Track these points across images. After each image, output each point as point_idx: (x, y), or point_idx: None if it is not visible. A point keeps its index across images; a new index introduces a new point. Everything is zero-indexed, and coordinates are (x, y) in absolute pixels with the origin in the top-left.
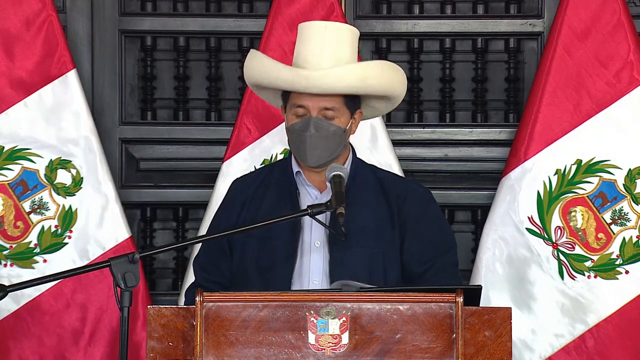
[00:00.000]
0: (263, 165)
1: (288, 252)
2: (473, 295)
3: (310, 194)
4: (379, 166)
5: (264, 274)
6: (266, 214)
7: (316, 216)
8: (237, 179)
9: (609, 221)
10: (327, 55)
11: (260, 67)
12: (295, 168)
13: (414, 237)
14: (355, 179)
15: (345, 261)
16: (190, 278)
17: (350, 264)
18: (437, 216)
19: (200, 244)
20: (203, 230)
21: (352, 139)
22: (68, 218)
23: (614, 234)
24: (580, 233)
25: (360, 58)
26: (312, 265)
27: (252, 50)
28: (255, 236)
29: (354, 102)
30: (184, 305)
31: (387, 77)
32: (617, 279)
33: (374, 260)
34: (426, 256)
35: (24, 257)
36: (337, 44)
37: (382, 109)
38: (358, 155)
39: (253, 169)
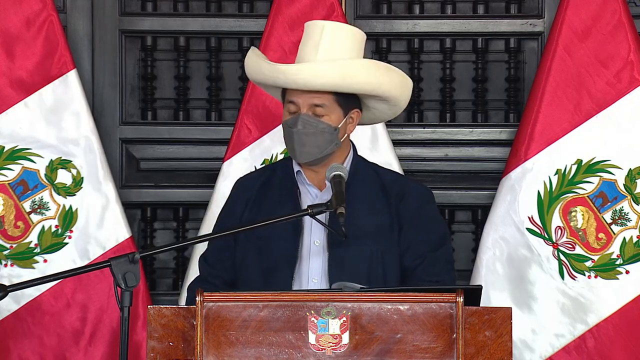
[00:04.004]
0: (263, 165)
1: (289, 253)
2: (473, 295)
3: (310, 193)
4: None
5: (266, 275)
6: (268, 214)
7: (316, 215)
8: (241, 178)
9: (609, 221)
10: (321, 53)
11: (248, 63)
12: (296, 167)
13: (409, 234)
14: (355, 177)
15: (344, 260)
16: (190, 277)
17: (349, 263)
18: (433, 215)
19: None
20: (203, 230)
21: (352, 139)
22: (68, 218)
23: (614, 234)
24: (580, 233)
25: None
26: (312, 265)
27: (252, 48)
28: (257, 237)
29: (347, 101)
30: (186, 297)
31: (374, 77)
32: (618, 279)
33: (373, 260)
34: (419, 252)
35: (24, 257)
36: (334, 43)
37: (384, 112)
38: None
39: (253, 169)
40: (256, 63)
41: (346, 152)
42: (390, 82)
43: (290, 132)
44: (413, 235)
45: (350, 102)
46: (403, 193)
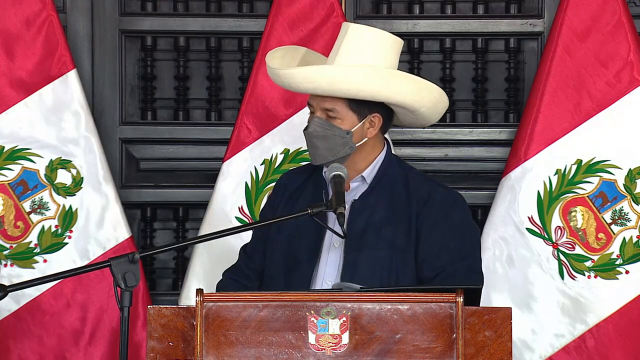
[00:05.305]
0: (263, 165)
1: (311, 252)
2: (473, 295)
3: None
4: None
5: (288, 274)
6: (300, 211)
7: (337, 217)
8: (286, 173)
9: (609, 221)
10: (341, 57)
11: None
12: (325, 167)
13: (427, 241)
14: (381, 180)
15: (357, 263)
16: (190, 278)
17: (362, 266)
18: (458, 222)
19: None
20: (203, 230)
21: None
22: (68, 218)
23: (614, 234)
24: (580, 233)
25: None
26: (328, 267)
27: (275, 49)
28: (285, 234)
29: (361, 106)
30: (218, 283)
31: (368, 84)
32: (617, 279)
33: (385, 264)
34: (438, 262)
35: (24, 257)
36: (355, 47)
37: (408, 116)
38: None
39: (253, 169)
40: (267, 66)
41: (373, 154)
42: (394, 90)
43: (304, 134)
44: (432, 244)
45: (367, 106)
46: (426, 198)
